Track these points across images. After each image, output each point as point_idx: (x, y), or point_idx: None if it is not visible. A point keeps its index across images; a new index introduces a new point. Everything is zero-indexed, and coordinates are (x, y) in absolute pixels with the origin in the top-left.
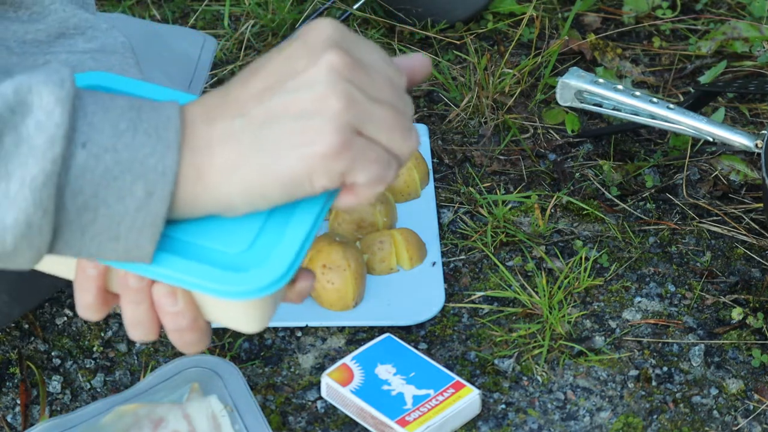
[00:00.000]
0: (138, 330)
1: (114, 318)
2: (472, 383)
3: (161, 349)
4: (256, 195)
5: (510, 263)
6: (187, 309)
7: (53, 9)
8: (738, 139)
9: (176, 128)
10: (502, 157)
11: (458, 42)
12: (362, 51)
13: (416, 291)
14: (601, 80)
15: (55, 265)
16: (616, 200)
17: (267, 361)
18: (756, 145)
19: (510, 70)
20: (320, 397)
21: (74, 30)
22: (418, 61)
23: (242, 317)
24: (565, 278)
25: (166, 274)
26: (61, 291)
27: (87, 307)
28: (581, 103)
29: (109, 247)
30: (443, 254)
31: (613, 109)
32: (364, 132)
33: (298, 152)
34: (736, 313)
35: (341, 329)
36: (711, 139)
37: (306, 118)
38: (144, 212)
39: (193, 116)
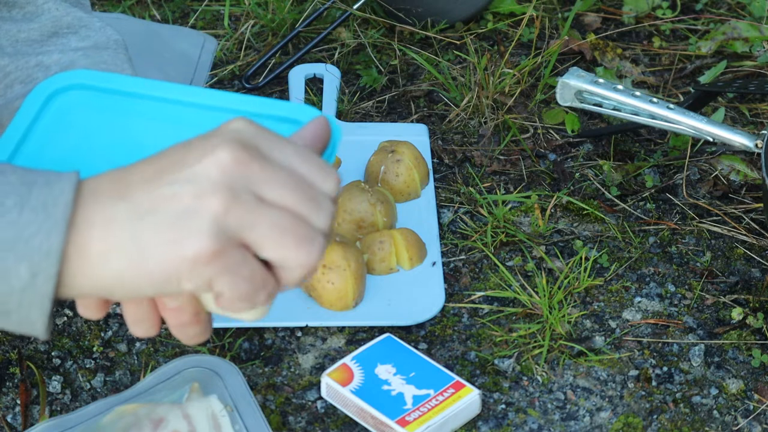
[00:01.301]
0: (140, 327)
1: (114, 318)
2: (472, 383)
3: (161, 349)
4: (129, 287)
5: (510, 263)
6: (188, 303)
7: (47, 8)
8: (738, 139)
9: (66, 204)
10: (502, 157)
11: (458, 42)
12: (273, 148)
13: (416, 291)
14: (601, 80)
15: None
16: (616, 200)
17: (267, 361)
18: (756, 145)
19: (510, 70)
20: (320, 397)
21: (67, 29)
22: (314, 127)
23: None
24: (565, 278)
25: None
26: None
27: (87, 307)
28: (581, 103)
29: (2, 320)
30: (443, 254)
31: (613, 109)
32: (245, 239)
33: (168, 252)
34: (736, 313)
35: (341, 329)
36: (711, 139)
37: (184, 217)
38: (30, 292)
39: (92, 191)
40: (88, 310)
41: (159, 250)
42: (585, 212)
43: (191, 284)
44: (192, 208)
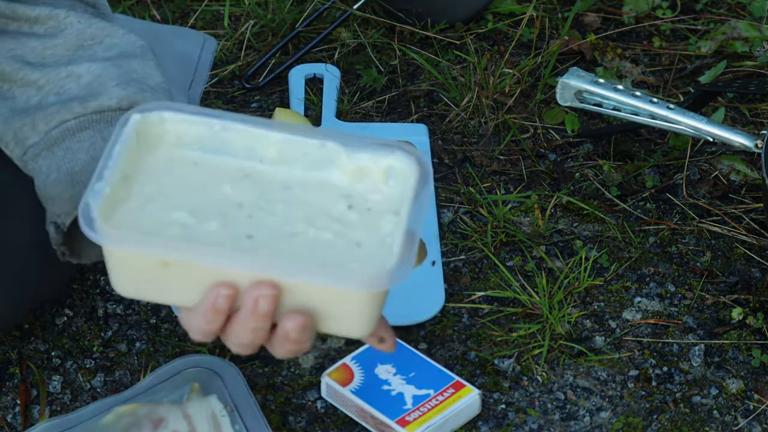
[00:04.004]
0: (247, 349)
1: (114, 318)
2: (472, 383)
3: (161, 349)
4: None
5: (510, 263)
6: (312, 335)
7: (69, 22)
8: (738, 139)
9: None
10: (502, 157)
11: (458, 42)
12: None
13: (416, 291)
14: (601, 80)
15: (161, 294)
16: (616, 200)
17: (267, 361)
18: (756, 145)
19: (510, 70)
20: (320, 397)
21: (92, 40)
22: None
23: (357, 320)
24: (565, 278)
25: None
26: (61, 292)
27: (207, 333)
28: (581, 103)
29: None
30: (443, 254)
31: (613, 109)
32: None
33: None
34: (736, 313)
35: None
36: (711, 139)
37: None
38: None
39: None
40: (208, 337)
41: None
42: (585, 212)
43: None
44: None
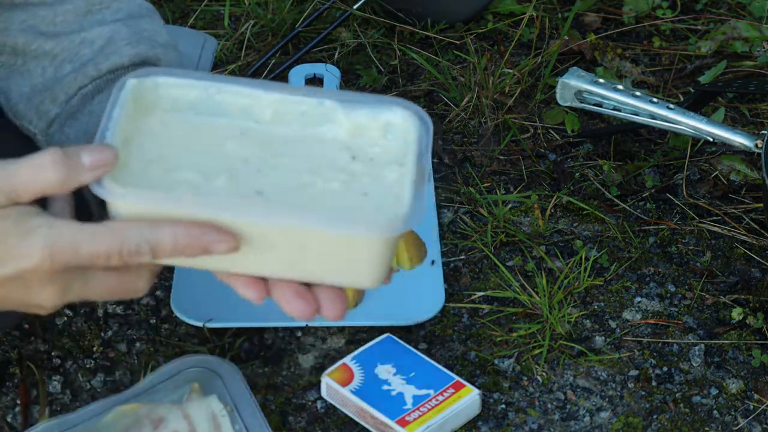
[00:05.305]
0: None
1: (114, 318)
2: (472, 383)
3: (161, 349)
4: None
5: (510, 263)
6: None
7: None
8: (738, 139)
9: None
10: (502, 157)
11: (458, 42)
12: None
13: (416, 291)
14: (601, 80)
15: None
16: (616, 200)
17: (267, 361)
18: (756, 145)
19: (510, 70)
20: (320, 397)
21: (100, 5)
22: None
23: (368, 269)
24: (565, 278)
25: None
26: None
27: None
28: (581, 103)
29: None
30: (443, 254)
31: (613, 109)
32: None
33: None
34: (736, 313)
35: (341, 329)
36: (711, 139)
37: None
38: None
39: None
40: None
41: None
42: (585, 212)
43: None
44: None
